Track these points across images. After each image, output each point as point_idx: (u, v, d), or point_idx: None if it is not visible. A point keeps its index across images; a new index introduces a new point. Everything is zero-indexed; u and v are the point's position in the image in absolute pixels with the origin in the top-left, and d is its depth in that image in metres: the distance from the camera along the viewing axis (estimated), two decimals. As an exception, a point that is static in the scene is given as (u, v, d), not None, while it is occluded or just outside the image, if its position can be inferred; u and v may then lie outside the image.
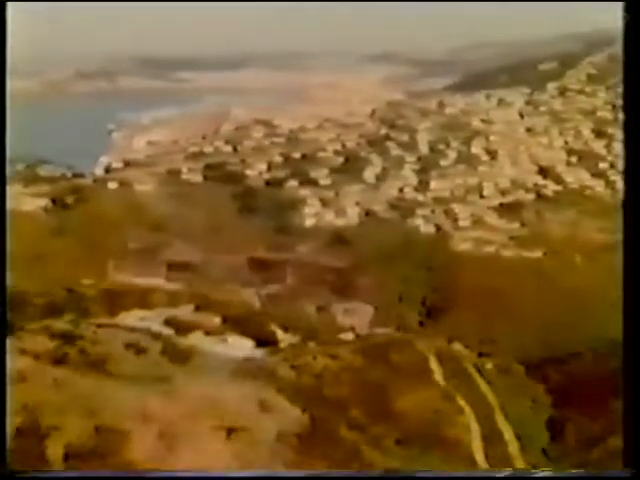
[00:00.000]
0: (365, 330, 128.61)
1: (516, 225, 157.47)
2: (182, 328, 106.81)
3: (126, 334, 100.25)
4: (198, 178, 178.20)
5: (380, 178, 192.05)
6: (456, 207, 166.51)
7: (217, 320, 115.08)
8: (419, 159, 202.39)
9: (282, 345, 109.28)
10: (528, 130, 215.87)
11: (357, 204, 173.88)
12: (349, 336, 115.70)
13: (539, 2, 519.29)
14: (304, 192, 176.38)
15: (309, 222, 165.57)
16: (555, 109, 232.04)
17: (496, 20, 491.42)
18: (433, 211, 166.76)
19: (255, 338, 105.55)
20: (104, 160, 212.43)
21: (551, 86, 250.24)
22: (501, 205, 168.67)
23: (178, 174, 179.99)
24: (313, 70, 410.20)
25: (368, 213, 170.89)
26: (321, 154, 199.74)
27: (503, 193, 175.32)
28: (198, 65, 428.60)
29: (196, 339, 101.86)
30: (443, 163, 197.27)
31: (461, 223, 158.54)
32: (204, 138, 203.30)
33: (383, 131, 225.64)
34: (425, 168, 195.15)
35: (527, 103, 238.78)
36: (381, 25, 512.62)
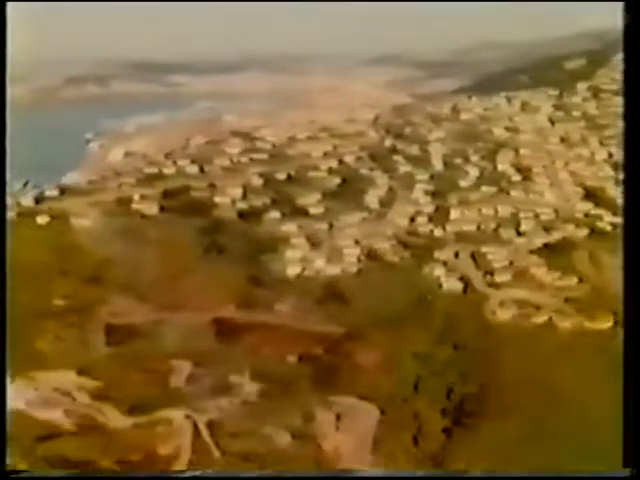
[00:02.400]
0: (366, 458, 78.71)
1: (572, 279, 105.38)
2: None
3: None
4: (153, 209, 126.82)
5: (385, 203, 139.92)
6: (487, 249, 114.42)
7: None
8: (432, 177, 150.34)
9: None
10: (563, 140, 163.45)
11: (356, 243, 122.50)
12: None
13: (540, 2, 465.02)
14: (288, 227, 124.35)
15: (292, 270, 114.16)
16: (590, 113, 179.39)
17: (500, 20, 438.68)
18: (457, 254, 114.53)
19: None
20: (71, 176, 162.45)
21: (581, 87, 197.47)
22: (546, 246, 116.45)
23: (128, 204, 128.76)
24: (312, 73, 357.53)
25: (370, 255, 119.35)
26: (312, 174, 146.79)
27: (547, 228, 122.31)
28: (193, 69, 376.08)
29: None
30: (463, 184, 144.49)
31: (498, 277, 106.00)
32: (168, 156, 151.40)
33: (388, 142, 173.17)
34: (441, 190, 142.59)
35: (556, 107, 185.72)
36: (382, 26, 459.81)
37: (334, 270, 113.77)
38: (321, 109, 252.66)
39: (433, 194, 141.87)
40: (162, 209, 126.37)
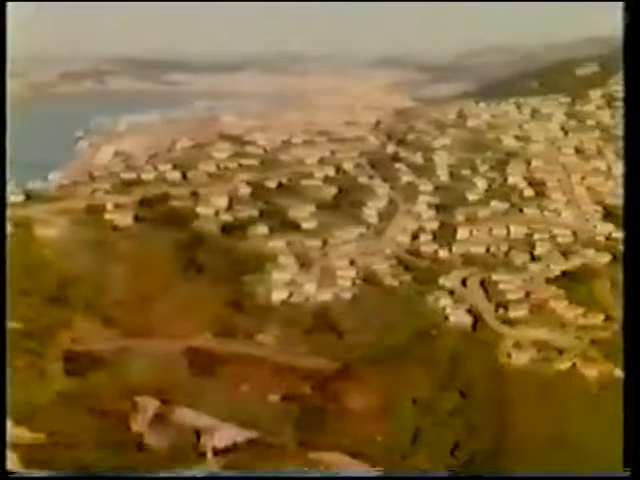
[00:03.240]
0: None
1: (598, 317, 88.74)
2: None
3: None
4: (127, 219, 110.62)
5: (385, 217, 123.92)
6: (499, 276, 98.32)
7: None
8: (437, 189, 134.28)
9: None
10: (578, 152, 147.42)
11: (352, 263, 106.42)
12: None
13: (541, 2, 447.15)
14: (276, 244, 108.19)
15: (279, 295, 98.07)
16: (604, 123, 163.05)
17: (504, 24, 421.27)
18: (465, 282, 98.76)
19: None
20: (52, 177, 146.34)
21: (594, 94, 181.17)
22: (564, 274, 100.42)
23: (100, 212, 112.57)
24: (313, 74, 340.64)
25: (367, 278, 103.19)
26: (306, 182, 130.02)
27: (565, 253, 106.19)
28: (192, 67, 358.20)
29: None
30: (471, 197, 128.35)
31: (512, 311, 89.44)
32: (152, 158, 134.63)
33: (390, 148, 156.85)
34: (446, 204, 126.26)
35: (569, 115, 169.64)
36: (384, 27, 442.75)
37: (326, 296, 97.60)
38: (320, 111, 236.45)
39: (438, 208, 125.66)
40: (137, 219, 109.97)
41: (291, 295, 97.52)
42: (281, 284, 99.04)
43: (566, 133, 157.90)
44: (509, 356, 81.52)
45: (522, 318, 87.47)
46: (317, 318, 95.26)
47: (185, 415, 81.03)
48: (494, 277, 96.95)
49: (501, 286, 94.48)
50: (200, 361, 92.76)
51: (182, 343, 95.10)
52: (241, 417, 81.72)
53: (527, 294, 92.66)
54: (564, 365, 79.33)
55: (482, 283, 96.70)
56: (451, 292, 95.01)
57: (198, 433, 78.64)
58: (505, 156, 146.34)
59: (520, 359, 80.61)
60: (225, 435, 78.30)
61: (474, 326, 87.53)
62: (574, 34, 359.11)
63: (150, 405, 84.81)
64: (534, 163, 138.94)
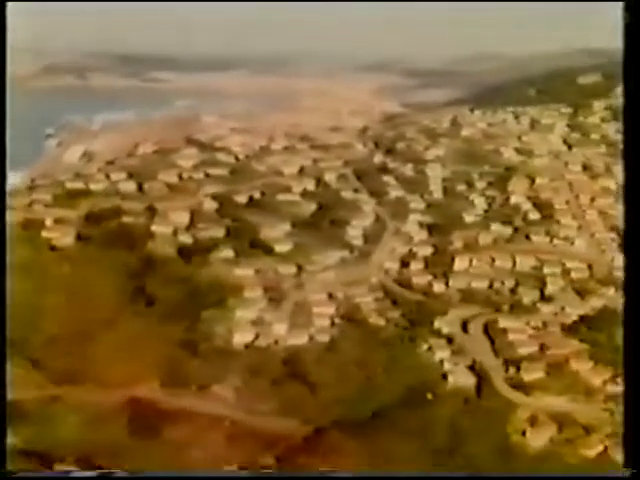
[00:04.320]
0: None
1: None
2: None
3: None
4: (68, 238, 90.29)
5: (371, 237, 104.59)
6: (506, 322, 78.93)
7: None
8: (430, 206, 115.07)
9: None
10: (585, 168, 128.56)
11: (331, 297, 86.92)
12: None
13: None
14: (243, 272, 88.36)
15: (242, 336, 78.35)
16: (611, 138, 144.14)
17: (495, 31, 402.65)
18: (465, 326, 79.47)
19: None
20: (13, 177, 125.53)
21: (598, 105, 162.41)
22: (582, 320, 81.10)
23: (37, 228, 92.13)
24: (301, 76, 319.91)
25: (348, 315, 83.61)
26: (282, 197, 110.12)
27: (581, 292, 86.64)
28: (179, 65, 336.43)
29: None
30: (469, 219, 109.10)
31: (525, 372, 69.11)
32: (108, 164, 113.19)
33: (377, 158, 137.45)
34: (441, 225, 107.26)
35: (571, 127, 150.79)
36: (374, 31, 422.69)
37: (298, 339, 77.95)
38: (305, 113, 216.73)
39: (430, 229, 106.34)
40: (79, 238, 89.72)
41: (257, 337, 77.85)
42: (245, 323, 79.25)
43: (570, 147, 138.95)
44: (523, 434, 62.25)
45: (538, 382, 67.72)
46: (287, 366, 75.79)
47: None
48: (501, 322, 77.34)
49: (510, 336, 74.69)
50: (143, 417, 73.85)
51: (122, 393, 76.00)
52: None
53: (542, 347, 73.09)
54: (593, 450, 60.20)
55: (486, 329, 77.15)
56: (449, 340, 75.42)
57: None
58: (505, 171, 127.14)
59: (537, 439, 61.24)
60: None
61: (478, 390, 67.99)
62: (563, 43, 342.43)
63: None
64: (538, 180, 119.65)
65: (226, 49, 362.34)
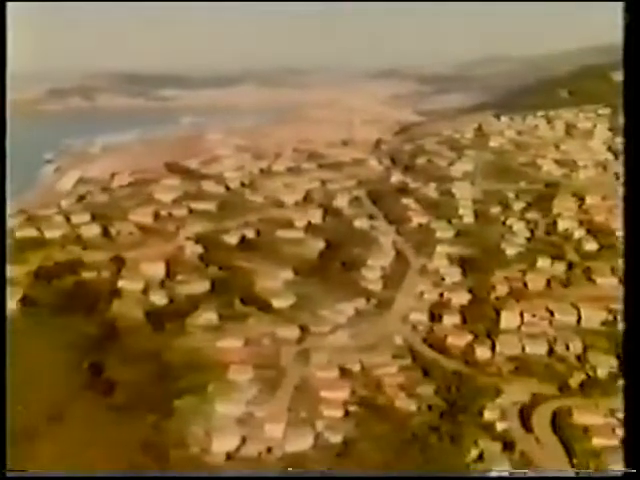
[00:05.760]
0: None
1: None
2: None
3: None
4: (10, 302, 68.06)
5: (392, 280, 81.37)
6: (582, 414, 55.01)
7: None
8: (460, 235, 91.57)
9: None
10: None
11: (343, 372, 63.75)
12: None
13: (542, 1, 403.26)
14: (228, 343, 65.36)
15: (222, 444, 55.69)
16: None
17: (504, 33, 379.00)
18: (524, 418, 55.40)
19: None
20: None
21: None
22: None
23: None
24: (310, 87, 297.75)
25: (366, 401, 60.50)
26: (281, 234, 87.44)
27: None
28: (186, 82, 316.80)
29: None
30: (509, 251, 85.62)
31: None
32: (62, 206, 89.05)
33: (396, 177, 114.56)
34: (476, 259, 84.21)
35: (613, 131, 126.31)
36: (383, 38, 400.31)
37: (300, 443, 54.66)
38: (315, 126, 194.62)
39: (464, 264, 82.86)
40: (25, 303, 67.61)
41: (244, 442, 54.86)
42: (229, 422, 56.23)
43: (616, 156, 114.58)
44: None
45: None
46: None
47: None
48: (575, 413, 53.31)
49: (594, 439, 50.78)
50: None
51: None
52: None
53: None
54: None
55: (555, 425, 53.22)
56: (505, 444, 51.74)
57: None
58: (545, 188, 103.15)
59: None
60: None
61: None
62: (573, 43, 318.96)
63: None
64: (589, 199, 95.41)
65: (232, 63, 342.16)
